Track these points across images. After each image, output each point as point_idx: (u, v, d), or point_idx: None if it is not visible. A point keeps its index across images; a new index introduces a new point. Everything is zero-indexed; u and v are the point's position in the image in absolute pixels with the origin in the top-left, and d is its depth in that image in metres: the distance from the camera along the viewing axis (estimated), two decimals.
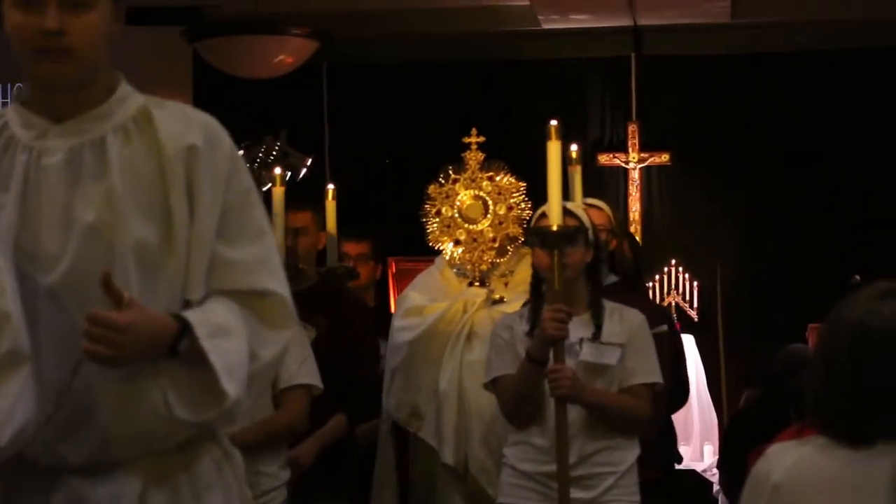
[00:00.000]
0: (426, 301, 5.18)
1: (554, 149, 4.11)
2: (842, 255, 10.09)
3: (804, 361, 5.93)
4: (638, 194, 10.59)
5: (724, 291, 10.50)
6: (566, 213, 4.30)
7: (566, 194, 4.49)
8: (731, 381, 10.25)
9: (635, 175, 10.62)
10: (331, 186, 5.45)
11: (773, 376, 6.24)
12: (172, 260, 2.63)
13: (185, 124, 2.73)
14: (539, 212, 4.37)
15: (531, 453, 4.37)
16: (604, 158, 10.52)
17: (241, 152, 9.01)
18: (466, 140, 5.18)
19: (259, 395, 3.96)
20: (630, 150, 10.60)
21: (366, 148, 10.19)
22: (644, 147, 10.60)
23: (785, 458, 2.50)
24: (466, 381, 4.97)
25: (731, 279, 10.52)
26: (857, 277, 7.80)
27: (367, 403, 5.31)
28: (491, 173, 5.15)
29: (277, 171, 5.03)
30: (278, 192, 4.99)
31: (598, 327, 4.35)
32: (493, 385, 4.46)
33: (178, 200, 2.63)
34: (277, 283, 2.74)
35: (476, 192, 5.15)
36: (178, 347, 2.57)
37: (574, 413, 4.27)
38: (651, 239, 10.52)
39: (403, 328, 5.17)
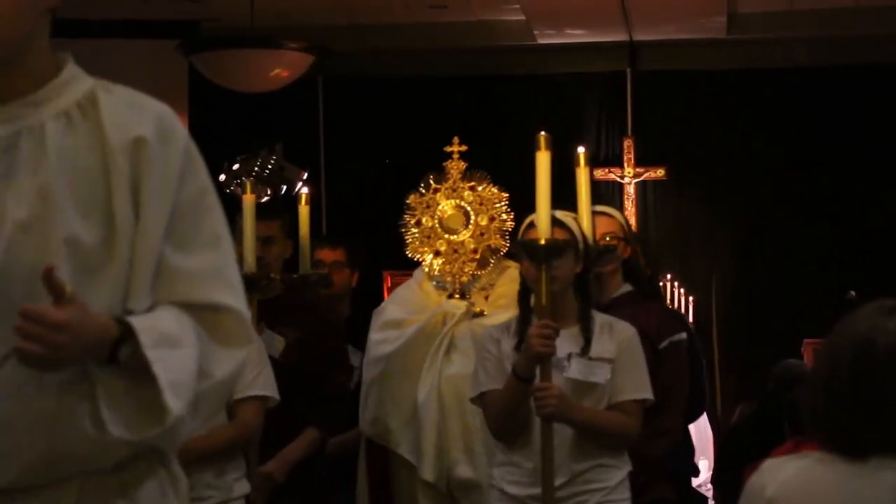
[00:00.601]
0: (404, 314, 5.02)
1: (543, 159, 4.00)
2: (837, 269, 10.11)
3: (800, 376, 5.95)
4: (633, 209, 10.60)
5: (719, 306, 10.51)
6: (556, 223, 4.16)
7: (571, 201, 4.41)
8: (726, 395, 10.25)
9: (631, 190, 10.64)
10: (304, 191, 5.29)
11: (769, 391, 6.24)
12: (113, 264, 2.31)
13: (134, 113, 2.47)
14: (528, 221, 4.22)
15: (518, 475, 4.21)
16: (599, 173, 10.53)
17: (237, 165, 9.02)
18: (448, 149, 5.03)
19: (210, 418, 3.68)
20: (626, 164, 10.61)
21: (361, 161, 10.20)
22: (640, 162, 10.62)
23: (780, 472, 2.50)
24: (446, 395, 4.82)
25: (727, 293, 10.52)
26: (853, 293, 7.81)
27: (339, 416, 5.19)
28: (473, 183, 4.99)
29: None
30: (248, 201, 4.82)
31: (587, 341, 4.19)
32: (479, 400, 4.29)
33: (121, 198, 2.32)
34: (233, 296, 2.40)
35: (457, 202, 4.98)
36: (119, 354, 2.25)
37: (563, 432, 4.13)
38: (646, 254, 10.51)
39: (381, 341, 4.99)
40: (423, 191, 5.00)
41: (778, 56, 10.42)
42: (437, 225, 4.97)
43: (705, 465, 9.34)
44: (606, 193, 10.61)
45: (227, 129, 9.88)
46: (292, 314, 5.05)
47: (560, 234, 4.13)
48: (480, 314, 4.91)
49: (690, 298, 10.30)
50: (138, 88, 2.68)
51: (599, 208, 4.89)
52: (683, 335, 4.78)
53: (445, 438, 4.81)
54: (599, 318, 4.25)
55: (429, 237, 4.98)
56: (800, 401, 4.47)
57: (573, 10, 9.65)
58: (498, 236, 4.94)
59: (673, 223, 10.80)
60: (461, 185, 4.98)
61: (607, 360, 4.17)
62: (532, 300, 4.21)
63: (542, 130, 4.14)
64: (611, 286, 4.81)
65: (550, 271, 4.05)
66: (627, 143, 10.64)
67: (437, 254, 4.97)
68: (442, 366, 4.84)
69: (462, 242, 4.96)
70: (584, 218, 4.37)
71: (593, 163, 10.63)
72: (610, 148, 10.81)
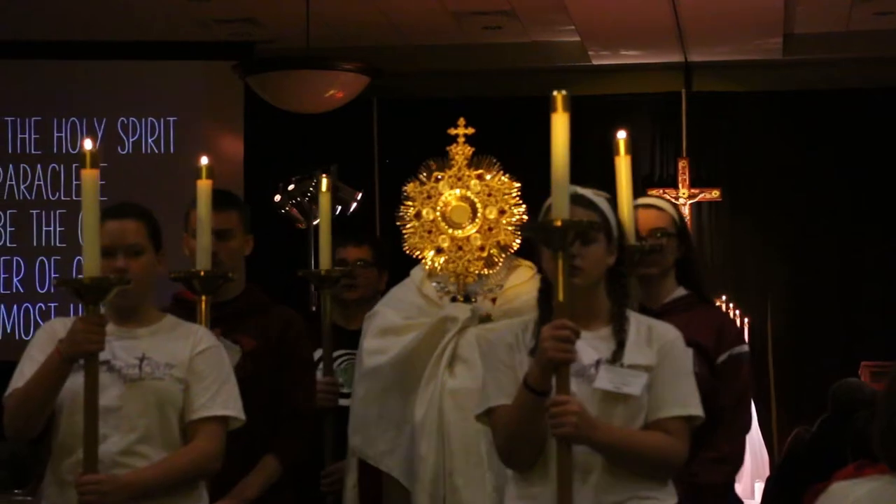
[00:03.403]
0: (401, 319, 4.34)
1: (560, 122, 3.33)
2: (895, 291, 10.02)
3: (862, 399, 5.87)
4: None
5: (774, 328, 10.45)
6: (580, 202, 3.45)
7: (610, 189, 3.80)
8: (781, 417, 10.18)
9: (685, 211, 10.60)
10: (324, 175, 4.89)
11: (828, 413, 6.18)
12: None
13: None
14: (548, 202, 3.41)
15: None
16: (654, 194, 10.49)
17: (292, 186, 9.06)
18: (453, 131, 4.39)
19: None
20: (680, 185, 10.58)
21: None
22: (694, 183, 10.58)
23: (850, 495, 2.46)
24: (448, 412, 4.16)
25: (782, 315, 10.46)
26: None
27: (301, 440, 4.44)
28: (480, 171, 4.31)
29: (204, 160, 4.14)
30: (203, 187, 4.11)
31: (619, 345, 3.43)
32: (486, 418, 3.52)
33: None
34: None
35: (462, 192, 4.32)
36: None
37: (590, 458, 3.37)
38: (702, 274, 10.48)
39: (375, 351, 4.32)
40: (424, 179, 4.35)
41: (834, 77, 10.37)
42: (439, 218, 4.32)
43: (761, 487, 9.29)
44: None
45: (282, 150, 9.93)
46: (251, 319, 4.37)
47: (587, 217, 3.44)
48: (488, 319, 4.27)
49: (745, 320, 10.25)
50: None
51: (646, 201, 4.38)
52: (745, 348, 4.20)
53: (444, 462, 4.16)
54: (635, 319, 3.53)
55: (430, 232, 4.32)
56: (865, 423, 4.42)
57: (628, 31, 9.64)
58: (508, 232, 4.27)
59: (728, 244, 10.75)
60: (467, 173, 4.34)
61: (644, 367, 3.43)
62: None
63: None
64: (662, 290, 4.24)
65: (571, 260, 3.36)
66: (682, 165, 10.61)
67: (438, 251, 4.31)
68: (443, 379, 4.20)
69: (467, 238, 4.29)
70: (625, 210, 3.86)
71: (648, 184, 10.63)
72: (664, 169, 10.79)
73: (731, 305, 10.27)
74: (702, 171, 10.65)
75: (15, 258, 10.05)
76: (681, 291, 4.25)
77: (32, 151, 10.03)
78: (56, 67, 9.93)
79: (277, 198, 8.91)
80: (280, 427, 4.34)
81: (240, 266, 4.49)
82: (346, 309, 5.04)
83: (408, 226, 4.32)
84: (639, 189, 10.15)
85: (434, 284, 4.35)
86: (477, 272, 4.27)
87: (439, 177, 4.33)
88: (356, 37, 9.70)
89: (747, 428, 4.24)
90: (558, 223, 3.27)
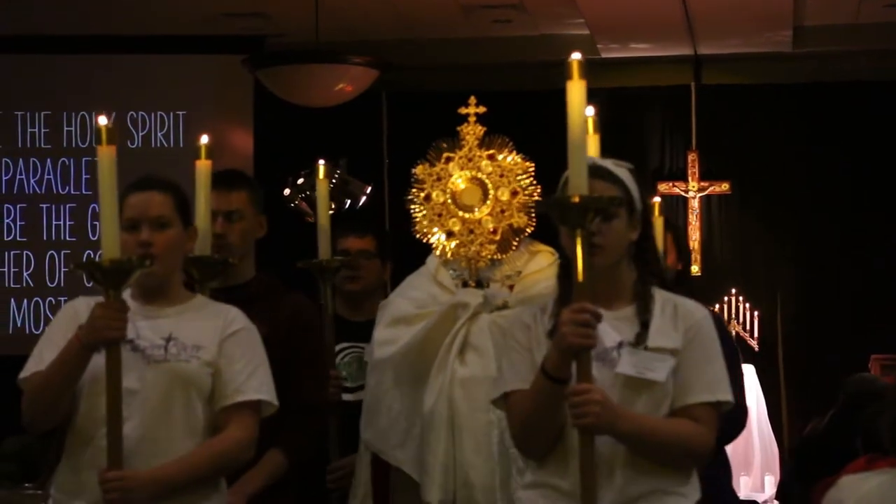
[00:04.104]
0: (413, 308, 4.19)
1: (576, 90, 3.12)
2: None
3: (874, 392, 5.87)
4: (698, 223, 10.55)
5: (784, 321, 10.44)
6: (601, 174, 3.26)
7: None
8: (791, 411, 10.18)
9: (695, 204, 10.59)
10: (321, 162, 4.67)
11: (839, 406, 6.17)
12: None
13: None
14: (565, 175, 3.21)
15: (552, 499, 3.26)
16: (663, 187, 10.49)
17: (301, 180, 9.06)
18: (463, 111, 4.26)
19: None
20: (690, 178, 10.58)
21: None
22: (704, 176, 10.57)
23: (859, 488, 2.46)
24: (459, 401, 3.99)
25: (792, 308, 10.45)
26: None
27: (310, 435, 4.26)
28: (492, 151, 4.16)
29: (204, 139, 3.98)
30: (202, 168, 3.95)
31: (643, 327, 3.24)
32: (502, 402, 3.36)
33: None
34: None
35: (473, 173, 4.16)
36: None
37: (612, 445, 3.20)
38: (711, 268, 10.48)
39: (386, 341, 4.18)
40: (434, 160, 4.21)
41: (844, 69, 10.35)
42: (449, 200, 4.17)
43: (770, 481, 9.29)
44: (670, 207, 10.57)
45: (291, 144, 9.93)
46: (263, 305, 4.12)
47: (608, 191, 3.24)
48: (503, 307, 4.09)
49: (755, 313, 10.24)
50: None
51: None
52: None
53: (455, 455, 4.00)
54: (660, 297, 3.31)
55: (440, 215, 4.17)
56: (875, 416, 4.42)
57: (638, 23, 9.63)
58: (521, 213, 4.11)
59: (738, 237, 10.74)
60: (478, 154, 4.18)
61: (670, 350, 3.23)
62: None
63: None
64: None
65: (590, 238, 3.15)
66: (692, 158, 10.61)
67: (449, 234, 4.15)
68: (454, 368, 4.03)
69: (479, 221, 4.13)
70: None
71: (657, 177, 10.62)
72: (674, 162, 10.78)
73: (740, 298, 10.26)
74: (711, 165, 10.63)
75: (25, 252, 10.05)
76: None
77: (42, 146, 10.03)
78: (66, 62, 9.93)
79: (287, 192, 8.91)
80: (288, 420, 3.99)
81: (251, 249, 4.32)
82: (350, 301, 4.91)
83: (417, 209, 4.19)
84: (649, 182, 10.17)
85: (450, 272, 4.20)
86: (489, 256, 4.12)
87: (449, 157, 4.19)
88: (365, 31, 9.70)
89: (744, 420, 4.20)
90: (576, 199, 3.07)
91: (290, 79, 8.83)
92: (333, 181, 9.07)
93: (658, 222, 4.39)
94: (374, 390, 4.21)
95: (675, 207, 10.58)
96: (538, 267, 4.13)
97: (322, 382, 4.35)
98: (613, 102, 10.58)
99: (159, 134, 9.99)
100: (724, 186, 10.55)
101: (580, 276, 3.11)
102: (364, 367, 4.56)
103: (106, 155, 3.32)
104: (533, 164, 4.13)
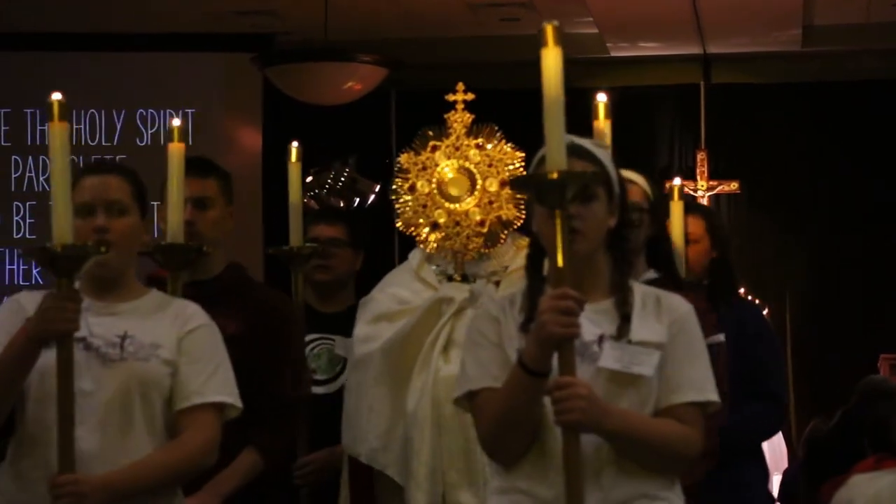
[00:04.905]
0: (395, 305, 3.98)
1: (551, 58, 2.96)
2: None
3: (884, 392, 5.87)
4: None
5: (793, 319, 10.44)
6: (578, 153, 2.99)
7: None
8: (800, 410, 10.17)
9: (704, 203, 10.58)
10: (295, 144, 4.56)
11: (849, 407, 6.17)
12: None
13: None
14: (541, 153, 3.01)
15: None
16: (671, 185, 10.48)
17: (310, 178, 9.07)
18: (451, 97, 4.09)
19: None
20: (699, 177, 10.57)
21: None
22: (713, 175, 10.56)
23: (869, 487, 2.47)
24: (444, 402, 3.75)
25: (801, 307, 10.45)
26: None
27: (286, 435, 4.03)
28: (480, 140, 3.97)
29: (175, 122, 3.79)
30: (175, 150, 3.70)
31: (624, 319, 2.97)
32: (466, 402, 3.03)
33: None
34: None
35: (461, 163, 3.97)
36: None
37: (596, 445, 2.90)
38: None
39: (366, 338, 3.96)
40: (419, 149, 4.04)
41: (853, 68, 10.34)
42: (435, 191, 3.97)
43: (779, 479, 9.28)
44: None
45: (300, 142, 9.92)
46: (234, 300, 3.92)
47: (587, 169, 3.00)
48: None
49: (764, 312, 10.23)
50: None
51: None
52: (721, 338, 3.86)
53: (441, 456, 3.80)
54: (640, 290, 3.06)
55: (425, 206, 3.97)
56: (884, 416, 4.42)
57: (647, 22, 9.63)
58: (510, 205, 3.92)
59: (746, 236, 10.72)
60: (466, 143, 3.99)
61: (655, 344, 2.97)
62: (547, 265, 2.96)
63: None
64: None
65: (570, 222, 2.87)
66: (700, 157, 10.59)
67: (434, 226, 3.95)
68: (437, 366, 3.83)
69: (466, 212, 3.94)
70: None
71: (666, 175, 10.60)
72: (683, 161, 10.77)
73: (749, 298, 10.26)
74: (720, 163, 10.63)
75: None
76: (651, 274, 3.78)
77: None
78: (75, 59, 9.94)
79: None
80: (263, 419, 3.83)
81: (221, 241, 4.09)
82: (321, 291, 4.68)
83: (401, 200, 4.00)
84: (657, 181, 10.16)
85: (433, 268, 4.02)
86: (476, 249, 3.94)
87: (435, 146, 4.01)
88: (374, 29, 9.71)
89: (723, 422, 3.75)
90: (555, 175, 2.79)
91: (299, 77, 8.84)
92: (342, 179, 9.10)
93: (677, 207, 4.31)
94: (355, 390, 3.99)
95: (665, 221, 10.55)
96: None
97: (299, 379, 4.13)
98: (622, 101, 10.58)
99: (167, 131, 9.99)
100: (733, 185, 10.54)
101: (559, 262, 2.82)
102: (334, 359, 4.47)
103: (58, 131, 3.10)
104: (523, 154, 3.93)
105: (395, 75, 9.08)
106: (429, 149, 4.02)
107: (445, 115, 4.05)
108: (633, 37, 10.02)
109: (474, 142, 4.00)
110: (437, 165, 4.00)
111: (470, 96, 4.08)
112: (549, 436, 2.89)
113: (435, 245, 3.96)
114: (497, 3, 9.44)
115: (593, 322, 2.94)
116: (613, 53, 10.26)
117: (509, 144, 3.99)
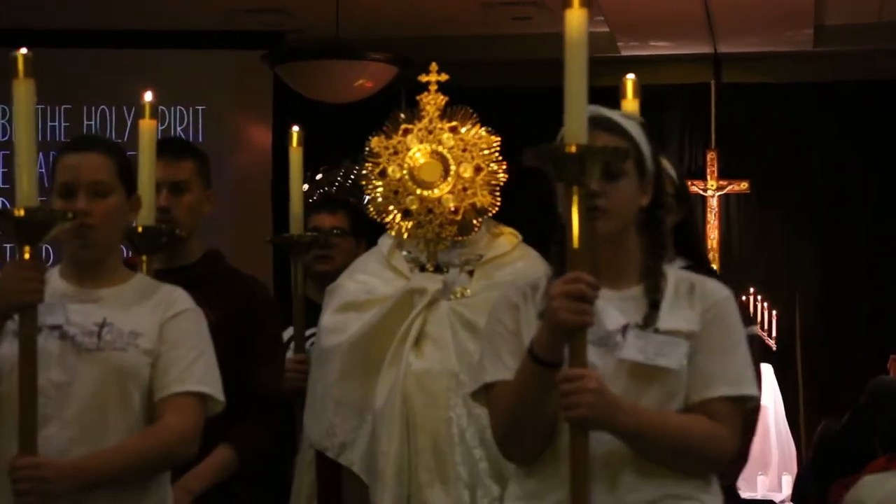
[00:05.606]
0: (364, 294, 3.78)
1: (576, 18, 2.71)
2: None
3: (894, 393, 5.86)
4: (716, 222, 10.54)
5: (802, 320, 10.42)
6: (604, 125, 2.79)
7: None
8: (809, 410, 10.15)
9: (714, 203, 10.57)
10: (296, 129, 4.43)
11: (859, 407, 6.16)
12: None
13: None
14: (564, 129, 2.74)
15: None
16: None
17: (320, 175, 9.06)
18: (424, 78, 3.97)
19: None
20: (709, 177, 10.56)
21: None
22: (723, 175, 10.55)
23: (881, 488, 2.46)
24: (414, 398, 3.59)
25: (811, 308, 10.43)
26: None
27: (266, 429, 3.83)
28: (454, 123, 3.82)
29: (148, 96, 3.65)
30: (146, 128, 3.55)
31: (653, 307, 2.71)
32: (483, 396, 2.82)
33: None
34: None
35: (433, 147, 3.80)
36: None
37: (614, 448, 2.66)
38: (729, 267, 10.46)
39: (334, 329, 3.77)
40: (390, 132, 3.89)
41: (865, 68, 10.32)
42: (406, 176, 3.79)
43: (788, 480, 9.27)
44: None
45: (310, 140, 9.89)
46: (212, 288, 3.72)
47: (614, 143, 2.75)
48: (462, 296, 3.72)
49: (773, 313, 10.22)
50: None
51: None
52: (754, 329, 3.66)
53: (409, 456, 3.59)
54: (675, 276, 2.79)
55: (396, 192, 3.79)
56: (893, 416, 4.40)
57: (658, 21, 9.62)
58: (485, 191, 3.74)
59: (756, 236, 10.72)
60: (439, 126, 3.83)
61: (685, 333, 2.69)
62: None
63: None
64: None
65: (593, 199, 2.65)
66: (711, 156, 10.59)
67: (406, 214, 3.78)
68: (409, 360, 3.62)
69: (439, 199, 3.75)
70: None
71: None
72: (693, 160, 10.76)
73: (758, 297, 10.24)
74: (730, 163, 10.61)
75: (44, 245, 10.08)
76: (679, 262, 3.51)
77: (63, 139, 10.07)
78: (86, 56, 9.96)
79: (305, 187, 8.90)
80: (242, 413, 3.62)
81: (198, 226, 3.92)
82: (321, 282, 4.36)
83: (371, 186, 3.82)
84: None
85: (404, 254, 3.82)
86: (449, 238, 3.75)
87: (407, 129, 3.84)
88: (385, 27, 9.71)
89: (755, 422, 3.65)
90: (573, 149, 2.55)
91: (309, 75, 8.84)
92: (352, 177, 9.08)
93: None
94: (320, 383, 3.78)
95: (694, 206, 10.55)
96: (501, 251, 3.78)
97: (279, 372, 3.94)
98: None
99: (178, 129, 10.00)
100: (743, 185, 10.53)
101: (576, 242, 2.55)
102: None
103: (23, 88, 2.85)
104: (499, 139, 3.79)
105: (405, 73, 9.08)
106: (400, 132, 3.87)
107: (417, 97, 3.88)
108: (644, 36, 10.01)
109: (448, 125, 3.84)
110: (408, 150, 3.83)
111: (444, 77, 3.92)
112: (562, 435, 2.66)
113: (406, 233, 3.78)
114: (509, 2, 9.43)
115: (620, 310, 2.71)
116: (624, 52, 10.25)
117: (484, 128, 3.82)
